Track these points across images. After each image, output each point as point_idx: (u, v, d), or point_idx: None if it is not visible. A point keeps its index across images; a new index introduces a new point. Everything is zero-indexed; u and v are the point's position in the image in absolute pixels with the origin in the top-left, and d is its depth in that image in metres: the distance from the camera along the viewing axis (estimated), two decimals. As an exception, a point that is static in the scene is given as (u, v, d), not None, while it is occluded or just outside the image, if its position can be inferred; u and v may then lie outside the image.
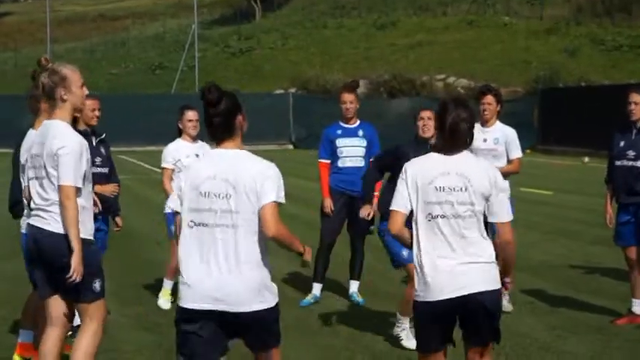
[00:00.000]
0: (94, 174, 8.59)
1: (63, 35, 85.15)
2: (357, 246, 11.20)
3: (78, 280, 6.68)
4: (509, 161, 10.39)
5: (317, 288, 11.08)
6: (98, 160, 9.26)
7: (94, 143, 9.30)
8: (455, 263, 5.93)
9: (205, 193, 5.61)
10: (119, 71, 73.84)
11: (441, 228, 5.97)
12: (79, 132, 8.83)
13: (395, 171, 7.95)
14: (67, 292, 6.80)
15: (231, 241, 5.55)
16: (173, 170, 10.23)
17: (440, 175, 5.99)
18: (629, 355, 8.81)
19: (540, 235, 14.71)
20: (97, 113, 9.42)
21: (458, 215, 5.96)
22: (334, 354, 8.95)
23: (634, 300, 10.01)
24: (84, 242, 6.69)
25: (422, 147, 8.37)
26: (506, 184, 10.47)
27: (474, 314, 5.97)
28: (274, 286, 5.78)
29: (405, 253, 8.32)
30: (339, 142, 10.91)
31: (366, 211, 9.26)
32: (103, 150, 9.55)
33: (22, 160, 7.29)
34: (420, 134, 8.88)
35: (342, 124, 11.10)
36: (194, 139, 10.66)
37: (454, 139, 6.06)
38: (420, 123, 8.87)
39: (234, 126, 5.79)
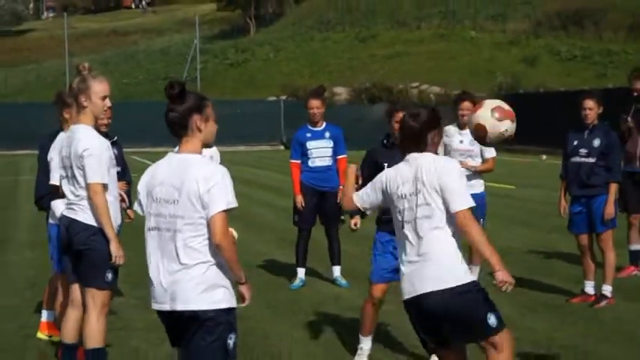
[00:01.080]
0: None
1: (80, 49, 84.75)
2: (332, 235, 11.17)
3: (120, 263, 6.74)
4: (484, 160, 10.38)
5: (301, 272, 11.07)
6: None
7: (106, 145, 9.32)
8: (412, 266, 5.64)
9: (157, 199, 5.21)
10: (130, 81, 73.75)
11: (405, 233, 5.67)
12: None
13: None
14: (82, 276, 6.79)
15: (180, 244, 5.13)
16: None
17: (401, 184, 5.69)
18: (582, 331, 8.82)
19: (504, 224, 14.73)
20: (109, 119, 9.42)
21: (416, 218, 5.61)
22: (323, 332, 8.93)
23: (586, 282, 10.06)
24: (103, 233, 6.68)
25: (394, 148, 8.13)
26: (480, 181, 10.53)
27: (429, 315, 5.61)
28: (228, 291, 5.21)
29: (378, 273, 7.66)
30: (309, 144, 10.91)
31: (354, 221, 8.62)
32: (115, 151, 9.53)
33: (54, 159, 7.26)
34: (394, 134, 8.74)
35: (309, 127, 11.10)
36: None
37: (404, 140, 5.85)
38: (397, 125, 8.72)
39: (189, 125, 5.24)
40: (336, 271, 11.17)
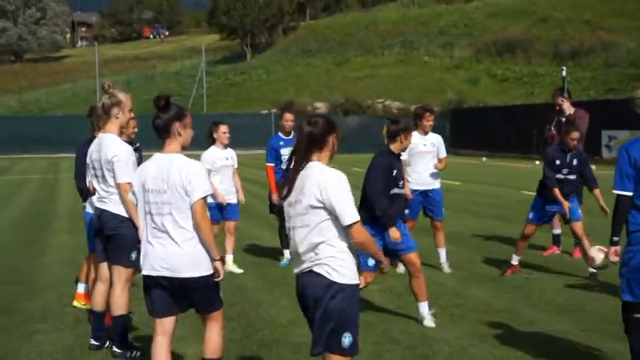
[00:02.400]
0: None
1: (107, 72, 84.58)
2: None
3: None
4: (439, 160, 10.45)
5: (287, 252, 10.83)
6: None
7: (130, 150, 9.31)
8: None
9: (149, 190, 5.33)
10: (148, 97, 73.26)
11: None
12: None
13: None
14: (111, 255, 6.78)
15: (170, 224, 5.26)
16: (209, 170, 9.90)
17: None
18: (513, 298, 8.86)
19: (451, 213, 14.74)
20: (135, 129, 9.46)
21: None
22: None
23: (514, 255, 10.16)
24: (130, 221, 6.67)
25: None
26: (439, 179, 10.59)
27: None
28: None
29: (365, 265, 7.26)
30: (282, 150, 10.76)
31: (395, 234, 7.61)
32: (138, 155, 9.55)
33: (87, 160, 7.25)
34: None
35: (282, 136, 10.99)
36: (225, 146, 10.50)
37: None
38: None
39: (171, 130, 5.37)
40: (287, 253, 10.87)
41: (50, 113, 69.52)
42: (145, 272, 5.40)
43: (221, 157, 10.36)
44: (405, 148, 8.08)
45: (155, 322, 5.50)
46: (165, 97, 5.49)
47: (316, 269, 4.64)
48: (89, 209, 7.48)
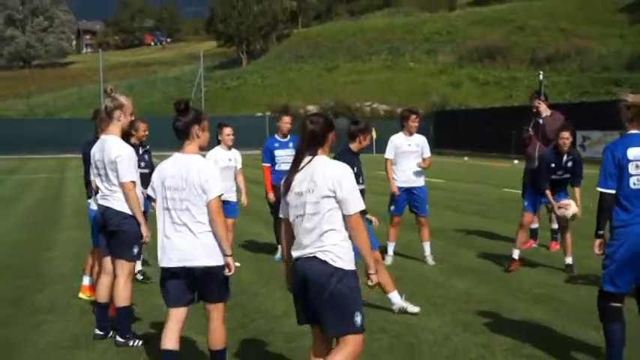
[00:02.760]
0: (140, 174, 8.71)
1: (111, 77, 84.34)
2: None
3: (147, 240, 6.84)
4: (424, 159, 10.44)
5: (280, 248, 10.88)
6: (142, 164, 9.23)
7: (140, 152, 9.32)
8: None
9: (168, 187, 5.40)
10: (149, 101, 73.38)
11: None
12: (132, 144, 8.96)
13: None
14: (114, 250, 6.77)
15: (188, 218, 5.34)
16: None
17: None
18: (494, 288, 8.88)
19: (435, 209, 14.76)
20: (146, 133, 9.52)
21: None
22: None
23: (514, 250, 9.99)
24: (132, 218, 6.68)
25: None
26: (423, 177, 10.58)
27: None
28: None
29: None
30: (277, 152, 10.68)
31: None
32: (146, 157, 9.59)
33: (91, 161, 7.23)
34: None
35: (277, 138, 10.84)
36: (229, 147, 10.42)
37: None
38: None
39: (190, 132, 5.46)
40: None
41: (57, 116, 69.32)
42: (162, 265, 5.46)
43: (224, 157, 10.29)
44: (363, 147, 8.04)
45: (169, 311, 5.54)
46: (185, 101, 5.60)
47: (320, 256, 4.66)
48: (93, 206, 7.48)
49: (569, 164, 9.72)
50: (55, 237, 13.58)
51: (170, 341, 5.49)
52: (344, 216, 4.71)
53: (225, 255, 5.39)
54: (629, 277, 5.57)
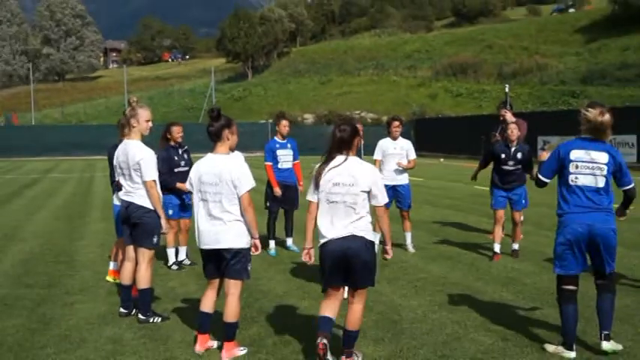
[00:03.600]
0: (181, 172, 8.93)
1: (134, 89, 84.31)
2: (289, 215, 10.70)
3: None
4: (409, 161, 10.40)
5: (272, 243, 10.47)
6: (182, 162, 9.17)
7: (180, 152, 9.27)
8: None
9: (204, 182, 5.62)
10: (167, 110, 73.31)
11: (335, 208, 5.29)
12: (171, 146, 9.17)
13: None
14: (137, 239, 6.75)
15: (219, 208, 5.58)
16: None
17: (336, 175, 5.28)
18: (466, 273, 8.87)
19: (415, 204, 14.71)
20: (181, 134, 9.39)
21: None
22: (296, 276, 8.93)
23: (495, 244, 9.86)
24: (152, 212, 6.67)
25: None
26: (406, 175, 10.55)
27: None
28: (249, 237, 5.66)
29: None
30: (278, 152, 10.44)
31: None
32: (186, 156, 9.39)
33: (114, 162, 7.21)
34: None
35: (277, 139, 10.53)
36: (231, 150, 10.17)
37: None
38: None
39: (222, 136, 5.67)
40: (289, 241, 10.73)
41: (87, 123, 69.30)
42: (200, 247, 5.73)
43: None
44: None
45: (208, 282, 5.86)
46: (217, 109, 5.80)
47: (358, 233, 5.23)
48: (116, 202, 7.47)
49: (519, 155, 9.64)
50: (84, 228, 13.55)
51: (206, 305, 5.80)
52: (370, 206, 5.32)
53: (253, 238, 5.67)
54: (572, 261, 5.61)
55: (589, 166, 5.54)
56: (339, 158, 5.31)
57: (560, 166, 5.65)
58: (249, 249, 5.67)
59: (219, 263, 5.67)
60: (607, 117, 5.53)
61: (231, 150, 5.77)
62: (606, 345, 5.57)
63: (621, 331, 6.14)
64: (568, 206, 5.60)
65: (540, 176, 5.82)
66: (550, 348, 5.70)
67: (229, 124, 5.72)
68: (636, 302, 7.15)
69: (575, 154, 5.59)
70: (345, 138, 5.31)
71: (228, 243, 5.57)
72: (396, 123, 10.38)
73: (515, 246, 9.95)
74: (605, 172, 5.55)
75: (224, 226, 5.56)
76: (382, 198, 5.32)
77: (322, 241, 5.33)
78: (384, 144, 10.40)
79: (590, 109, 5.58)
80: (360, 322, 5.37)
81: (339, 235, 5.24)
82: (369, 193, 5.27)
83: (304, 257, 5.53)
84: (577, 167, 5.56)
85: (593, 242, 5.53)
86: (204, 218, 5.64)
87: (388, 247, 5.56)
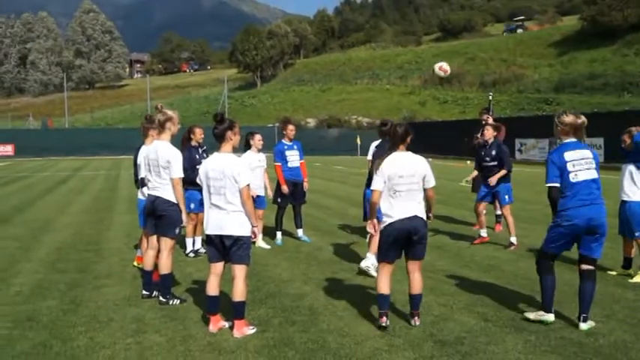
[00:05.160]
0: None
1: (156, 96, 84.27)
2: (297, 210, 10.61)
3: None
4: None
5: (279, 234, 10.49)
6: (202, 161, 9.06)
7: (200, 152, 9.25)
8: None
9: (211, 177, 5.69)
10: (186, 115, 73.34)
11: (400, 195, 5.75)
12: (192, 146, 9.17)
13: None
14: (160, 230, 6.72)
15: (223, 200, 5.64)
16: None
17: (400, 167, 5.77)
18: (452, 260, 8.84)
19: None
20: (202, 135, 9.35)
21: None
22: (300, 263, 8.90)
23: (481, 230, 9.90)
24: (176, 205, 6.64)
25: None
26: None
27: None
28: (249, 225, 5.66)
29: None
30: (287, 153, 10.38)
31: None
32: (205, 155, 9.24)
33: (139, 161, 7.16)
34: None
35: (284, 142, 10.48)
36: (258, 150, 9.99)
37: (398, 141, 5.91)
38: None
39: (225, 137, 5.74)
40: (300, 232, 10.68)
41: (114, 126, 69.34)
42: (206, 232, 5.76)
43: (255, 159, 9.82)
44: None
45: (210, 266, 5.82)
46: (221, 113, 5.96)
47: (419, 214, 5.73)
48: (140, 196, 7.44)
49: (493, 152, 9.66)
50: (111, 219, 13.52)
51: (211, 289, 5.79)
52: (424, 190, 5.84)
53: (253, 226, 5.68)
54: (563, 245, 5.77)
55: (582, 162, 5.67)
56: (400, 153, 5.82)
57: (560, 170, 5.68)
58: (249, 237, 5.68)
59: (222, 248, 5.70)
60: (584, 118, 5.75)
61: (234, 149, 5.82)
62: (584, 325, 5.65)
63: (592, 313, 6.12)
64: (571, 201, 5.64)
65: (549, 184, 5.71)
66: (530, 315, 5.81)
67: (232, 126, 5.80)
68: (603, 287, 7.12)
69: (568, 156, 5.68)
70: (400, 134, 5.86)
71: (230, 230, 5.60)
72: (384, 127, 10.16)
73: (512, 239, 9.69)
74: (594, 165, 5.73)
75: (227, 215, 5.61)
76: (432, 181, 5.88)
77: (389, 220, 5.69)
78: (378, 145, 10.26)
79: (567, 115, 5.76)
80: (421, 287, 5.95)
81: (407, 214, 5.67)
82: (424, 180, 5.78)
83: (369, 227, 5.92)
84: (574, 166, 5.66)
85: (592, 232, 5.64)
86: (212, 208, 5.70)
87: (430, 214, 6.05)
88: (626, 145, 7.71)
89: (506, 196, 9.91)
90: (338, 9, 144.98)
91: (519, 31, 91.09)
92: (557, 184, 5.70)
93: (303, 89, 79.43)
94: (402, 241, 5.73)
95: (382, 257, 5.84)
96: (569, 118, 5.71)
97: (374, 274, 7.51)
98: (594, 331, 5.61)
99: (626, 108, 37.94)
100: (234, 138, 5.79)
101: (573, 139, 5.74)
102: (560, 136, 5.79)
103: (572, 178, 5.65)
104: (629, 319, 5.98)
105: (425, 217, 5.80)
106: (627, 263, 7.83)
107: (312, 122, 61.09)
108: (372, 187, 5.79)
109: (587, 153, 5.72)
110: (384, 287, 5.78)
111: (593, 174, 5.70)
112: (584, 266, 5.75)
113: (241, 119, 66.53)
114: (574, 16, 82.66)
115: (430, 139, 44.32)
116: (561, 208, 5.68)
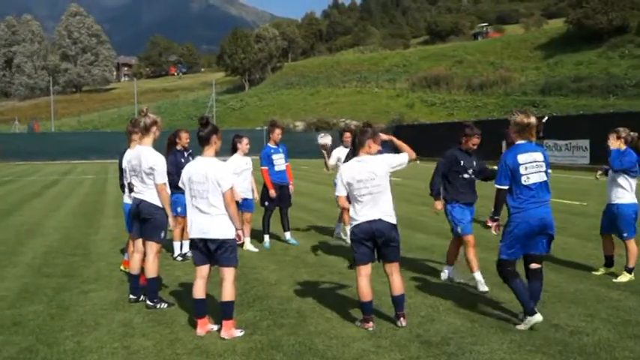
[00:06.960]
0: None
1: (143, 100, 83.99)
2: (284, 212, 10.64)
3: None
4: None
5: (267, 237, 10.49)
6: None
7: (185, 155, 9.21)
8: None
9: (194, 181, 5.70)
10: (173, 118, 73.13)
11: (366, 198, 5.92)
12: (178, 150, 9.12)
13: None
14: (146, 233, 6.72)
15: (206, 203, 5.65)
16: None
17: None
18: (439, 263, 8.88)
19: (394, 201, 14.84)
20: (188, 140, 9.31)
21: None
22: (287, 265, 8.92)
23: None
24: (161, 209, 6.64)
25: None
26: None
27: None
28: (234, 228, 5.67)
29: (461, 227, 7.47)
30: (274, 156, 10.42)
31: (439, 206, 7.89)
32: (191, 159, 9.17)
33: (124, 165, 7.16)
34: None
35: (271, 145, 10.50)
36: (245, 154, 9.96)
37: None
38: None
39: (210, 141, 5.76)
40: (287, 235, 10.68)
41: (101, 130, 69.03)
42: (190, 236, 5.80)
43: (242, 163, 9.82)
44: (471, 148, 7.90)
45: (195, 269, 5.84)
46: (207, 117, 6.00)
47: (384, 218, 5.83)
48: (127, 200, 7.44)
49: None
50: (99, 224, 13.49)
51: (198, 292, 5.80)
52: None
53: (237, 229, 5.69)
54: (518, 249, 5.80)
55: (534, 165, 5.75)
56: (361, 157, 5.95)
57: (512, 172, 5.75)
58: (234, 239, 5.70)
59: (206, 251, 5.72)
60: (533, 119, 5.79)
61: (216, 154, 5.83)
62: (538, 317, 5.72)
63: (575, 312, 6.20)
64: (522, 203, 5.72)
65: (498, 186, 5.82)
66: (521, 327, 5.78)
67: (216, 130, 5.83)
68: (587, 287, 7.21)
69: (521, 158, 5.75)
70: (361, 140, 5.95)
71: (214, 234, 5.62)
72: (347, 134, 10.05)
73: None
74: (544, 169, 5.81)
75: (211, 219, 5.62)
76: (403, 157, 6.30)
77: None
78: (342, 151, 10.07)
79: (517, 114, 5.82)
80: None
81: (373, 217, 5.79)
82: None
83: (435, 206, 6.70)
84: (526, 169, 5.73)
85: (543, 232, 5.75)
86: (195, 212, 5.72)
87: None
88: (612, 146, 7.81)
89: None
90: (326, 12, 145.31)
91: (479, 38, 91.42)
92: (506, 187, 5.78)
93: (292, 92, 79.44)
94: (370, 243, 5.80)
95: (356, 260, 5.89)
96: (518, 117, 5.79)
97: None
98: (578, 330, 5.67)
99: (611, 110, 38.26)
100: (217, 142, 5.81)
101: (524, 141, 5.80)
102: (512, 135, 5.86)
103: (524, 180, 5.72)
104: (612, 318, 6.05)
105: (393, 221, 5.84)
106: (609, 261, 7.94)
107: (300, 125, 61.06)
108: (335, 194, 5.96)
109: (538, 156, 5.79)
110: (365, 294, 5.82)
111: (543, 177, 5.78)
112: (534, 265, 5.89)
113: (230, 122, 66.56)
114: (560, 19, 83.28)
115: (418, 141, 44.26)
116: (515, 211, 5.75)
